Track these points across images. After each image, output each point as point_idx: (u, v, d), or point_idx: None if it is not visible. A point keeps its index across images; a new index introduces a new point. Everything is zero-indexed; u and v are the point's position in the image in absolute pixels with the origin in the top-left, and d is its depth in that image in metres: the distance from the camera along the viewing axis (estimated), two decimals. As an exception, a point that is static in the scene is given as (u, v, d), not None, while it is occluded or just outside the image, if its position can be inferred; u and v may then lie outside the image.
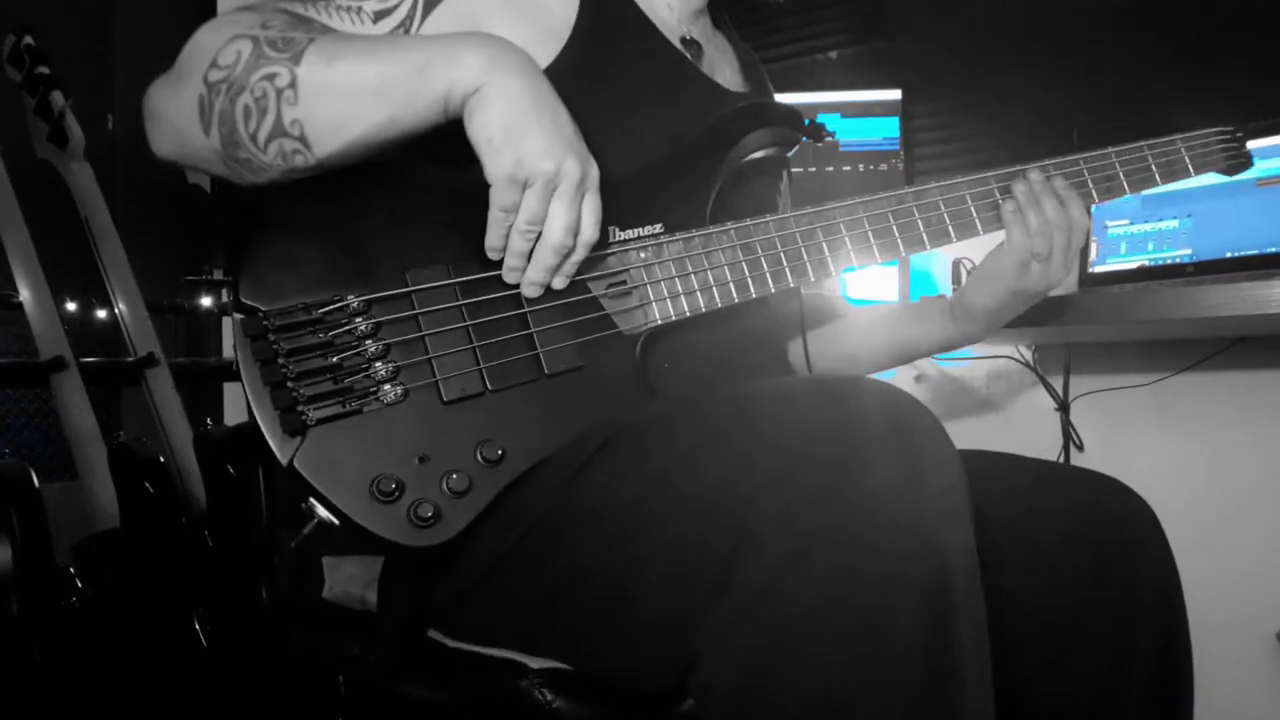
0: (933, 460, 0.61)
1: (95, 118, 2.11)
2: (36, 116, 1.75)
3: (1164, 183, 1.05)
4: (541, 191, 0.75)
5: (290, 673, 1.27)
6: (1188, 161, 1.06)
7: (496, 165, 0.74)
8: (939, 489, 0.61)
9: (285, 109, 0.74)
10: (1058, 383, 1.80)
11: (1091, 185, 1.02)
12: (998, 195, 0.98)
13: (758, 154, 0.95)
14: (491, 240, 0.79)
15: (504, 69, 0.74)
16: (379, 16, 0.84)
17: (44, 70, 1.74)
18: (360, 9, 0.84)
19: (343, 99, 0.74)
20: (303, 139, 0.75)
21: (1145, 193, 1.06)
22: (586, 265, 0.83)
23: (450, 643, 0.88)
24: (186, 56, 0.79)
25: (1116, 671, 0.85)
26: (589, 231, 0.78)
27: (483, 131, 0.74)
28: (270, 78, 0.74)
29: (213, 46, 0.77)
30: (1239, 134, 1.09)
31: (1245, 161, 1.10)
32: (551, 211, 0.76)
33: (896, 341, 1.14)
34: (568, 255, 0.79)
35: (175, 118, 0.78)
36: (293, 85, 0.74)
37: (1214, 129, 1.09)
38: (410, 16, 0.85)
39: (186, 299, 2.11)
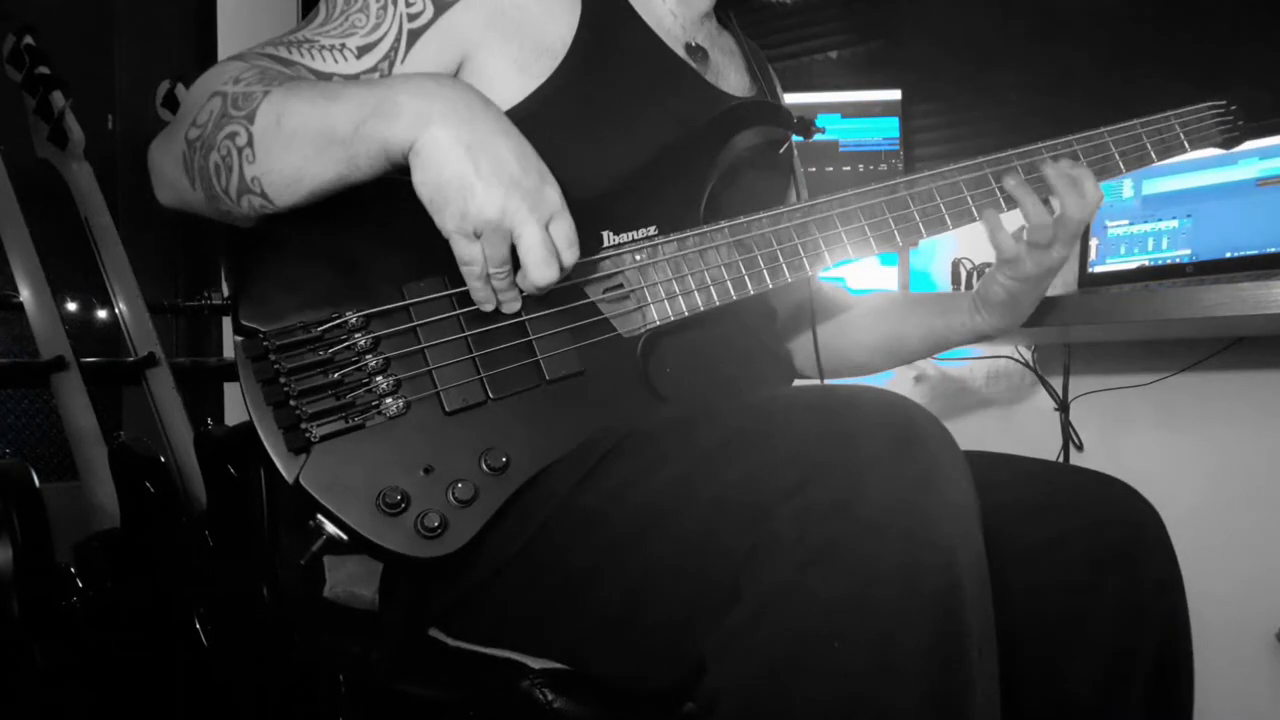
0: (943, 471, 0.62)
1: (95, 118, 2.11)
2: (36, 116, 1.75)
3: (1160, 160, 1.03)
4: (495, 238, 0.74)
5: (291, 671, 1.28)
6: (1183, 137, 1.04)
7: (443, 224, 0.74)
8: (949, 503, 0.61)
9: (246, 166, 0.77)
10: (1057, 383, 1.80)
11: (1086, 166, 0.99)
12: (993, 182, 0.97)
13: (747, 153, 0.95)
14: (476, 296, 0.79)
15: (430, 122, 0.73)
16: (362, 52, 0.85)
17: (44, 70, 1.74)
18: (344, 46, 0.85)
19: (293, 157, 0.76)
20: (264, 194, 0.77)
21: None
22: (582, 270, 0.83)
23: (451, 642, 0.88)
24: (179, 113, 0.83)
25: (1117, 670, 0.85)
26: (564, 256, 0.77)
27: (423, 192, 0.74)
28: (231, 136, 0.77)
29: (196, 103, 0.80)
30: (1233, 107, 1.07)
31: (1241, 135, 1.08)
32: (522, 253, 0.75)
33: (929, 331, 1.12)
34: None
35: (169, 173, 0.82)
36: (250, 144, 0.76)
37: (1207, 104, 1.07)
38: (394, 49, 0.86)
39: (186, 299, 2.12)
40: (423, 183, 0.73)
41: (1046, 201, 0.97)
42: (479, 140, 0.73)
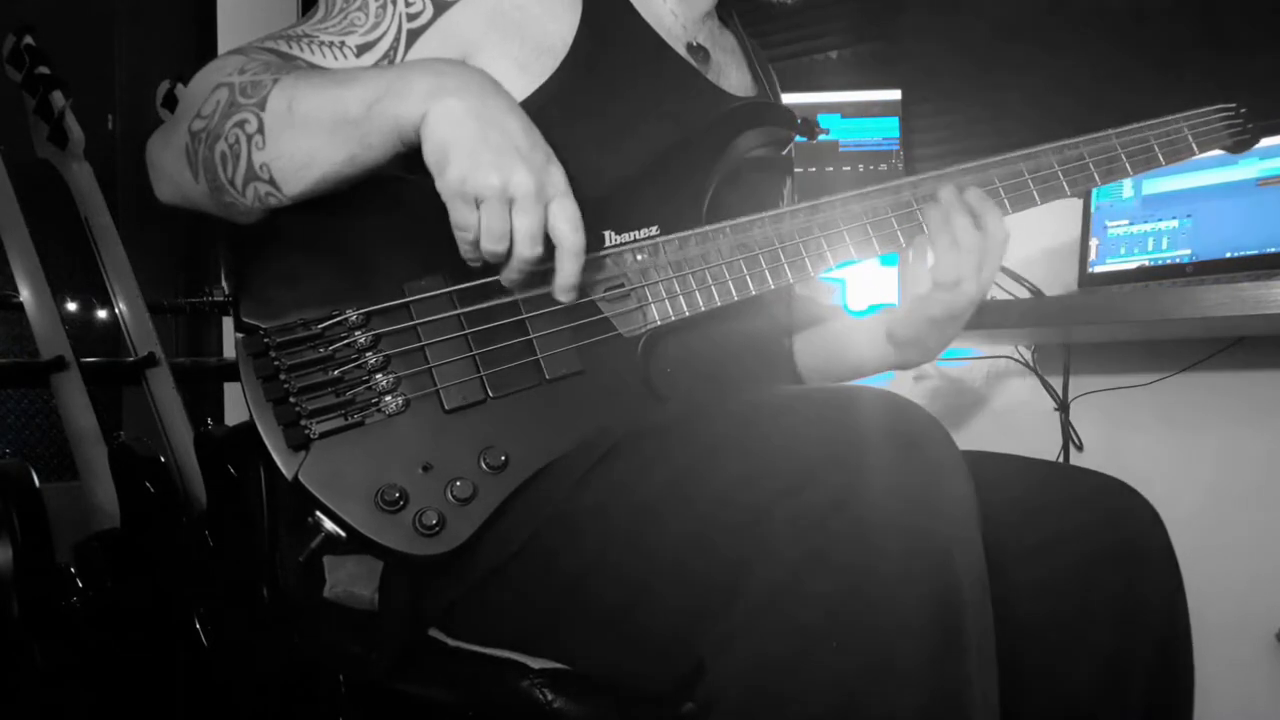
0: (943, 472, 0.62)
1: (95, 118, 2.11)
2: (36, 116, 1.75)
3: (1168, 163, 1.03)
4: (496, 206, 0.73)
5: (291, 671, 1.27)
6: (1191, 140, 1.04)
7: (444, 185, 0.74)
8: (949, 500, 0.61)
9: (255, 153, 0.77)
10: (1057, 383, 1.80)
11: (1093, 168, 1.00)
12: (997, 182, 0.97)
13: (751, 154, 0.95)
14: (464, 252, 0.78)
15: (445, 93, 0.73)
16: (362, 50, 0.85)
17: (44, 70, 1.73)
18: (344, 44, 0.85)
19: (304, 141, 0.76)
20: (272, 181, 0.77)
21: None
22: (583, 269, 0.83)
23: (451, 642, 0.88)
24: (179, 107, 0.83)
25: (1117, 670, 0.85)
26: (569, 239, 0.76)
27: (430, 157, 0.74)
28: (241, 124, 0.77)
29: (199, 96, 0.80)
30: (1242, 110, 1.07)
31: (1250, 138, 1.07)
32: (514, 225, 0.75)
33: (849, 361, 1.11)
34: (543, 263, 0.78)
35: (169, 167, 0.82)
36: (260, 130, 0.76)
37: (1216, 106, 1.06)
38: (394, 47, 0.86)
39: (187, 298, 2.12)
40: (429, 146, 0.73)
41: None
42: (490, 114, 0.73)
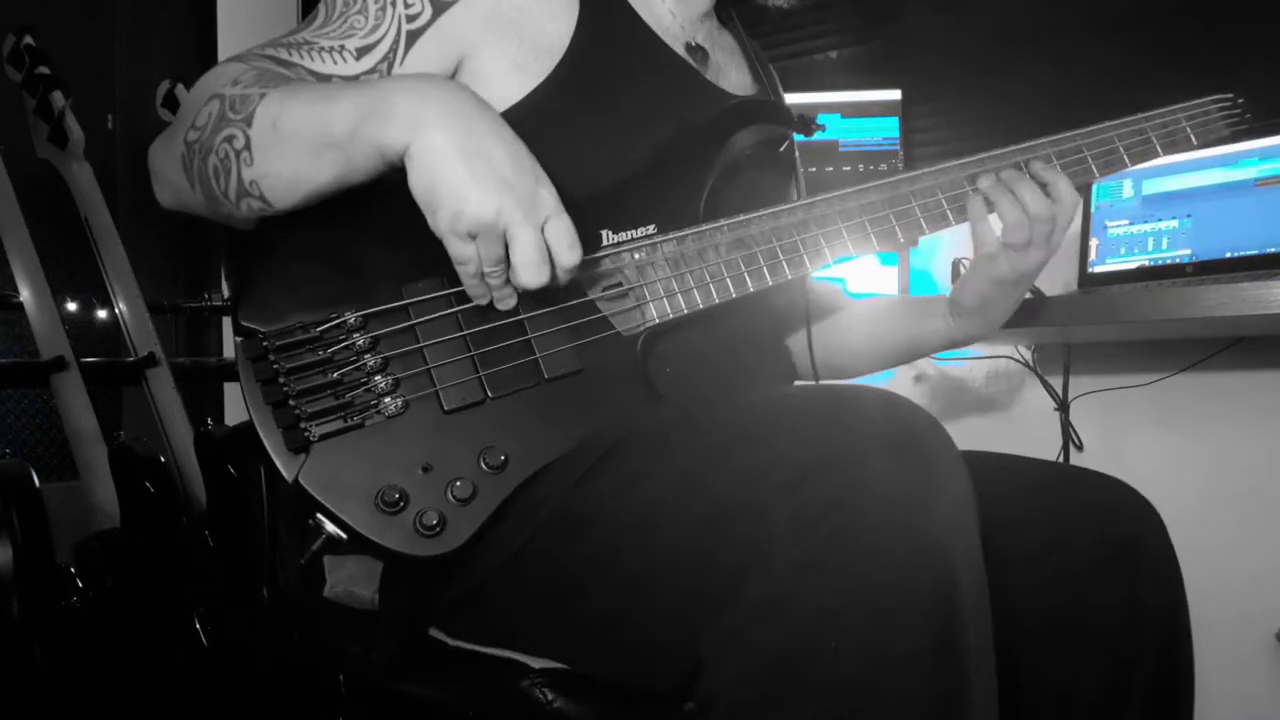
0: (941, 472, 0.62)
1: (95, 118, 2.12)
2: (36, 116, 1.75)
3: (1165, 154, 1.03)
4: (489, 239, 0.74)
5: (291, 671, 1.28)
6: (1189, 131, 1.04)
7: (436, 224, 0.74)
8: (947, 500, 0.61)
9: (244, 170, 0.77)
10: (1057, 383, 1.80)
11: (1091, 161, 0.99)
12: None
13: (748, 152, 0.95)
14: (471, 292, 0.79)
15: (425, 125, 0.72)
16: (361, 53, 0.85)
17: (44, 70, 1.74)
18: (343, 48, 0.85)
19: (290, 160, 0.76)
20: (262, 198, 0.77)
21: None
22: (581, 269, 0.83)
23: (451, 642, 0.88)
24: (178, 114, 0.83)
25: (1118, 670, 0.85)
26: (565, 257, 0.76)
27: (417, 194, 0.73)
28: (229, 140, 0.77)
29: (195, 106, 0.80)
30: (1239, 100, 1.07)
31: (1248, 127, 1.07)
32: (514, 255, 0.74)
33: (904, 338, 1.13)
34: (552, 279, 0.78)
35: (169, 174, 0.83)
36: (247, 147, 0.77)
37: (1212, 97, 1.06)
38: (393, 50, 0.86)
39: (186, 299, 2.12)
40: (416, 184, 0.73)
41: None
42: (473, 142, 0.73)
